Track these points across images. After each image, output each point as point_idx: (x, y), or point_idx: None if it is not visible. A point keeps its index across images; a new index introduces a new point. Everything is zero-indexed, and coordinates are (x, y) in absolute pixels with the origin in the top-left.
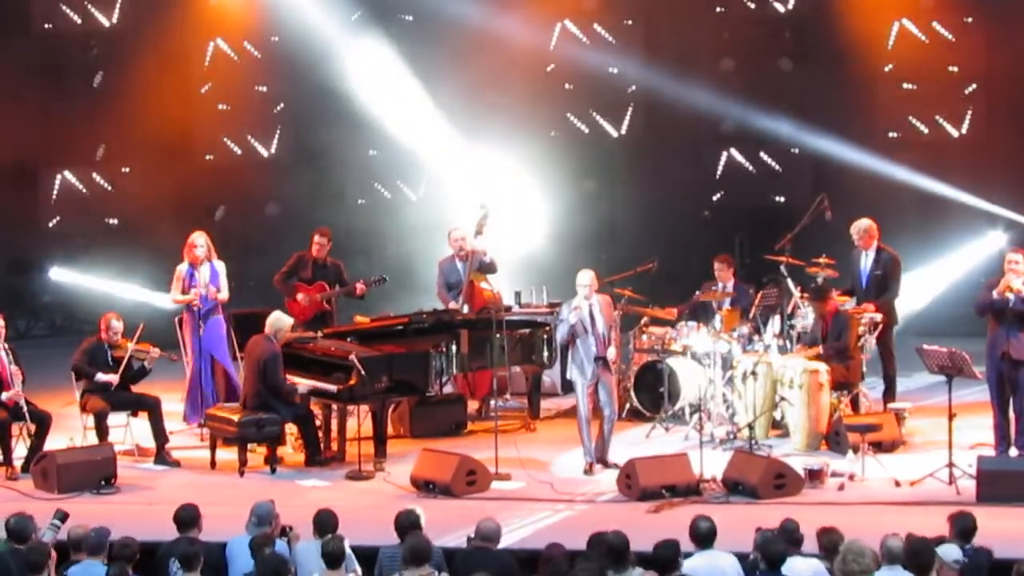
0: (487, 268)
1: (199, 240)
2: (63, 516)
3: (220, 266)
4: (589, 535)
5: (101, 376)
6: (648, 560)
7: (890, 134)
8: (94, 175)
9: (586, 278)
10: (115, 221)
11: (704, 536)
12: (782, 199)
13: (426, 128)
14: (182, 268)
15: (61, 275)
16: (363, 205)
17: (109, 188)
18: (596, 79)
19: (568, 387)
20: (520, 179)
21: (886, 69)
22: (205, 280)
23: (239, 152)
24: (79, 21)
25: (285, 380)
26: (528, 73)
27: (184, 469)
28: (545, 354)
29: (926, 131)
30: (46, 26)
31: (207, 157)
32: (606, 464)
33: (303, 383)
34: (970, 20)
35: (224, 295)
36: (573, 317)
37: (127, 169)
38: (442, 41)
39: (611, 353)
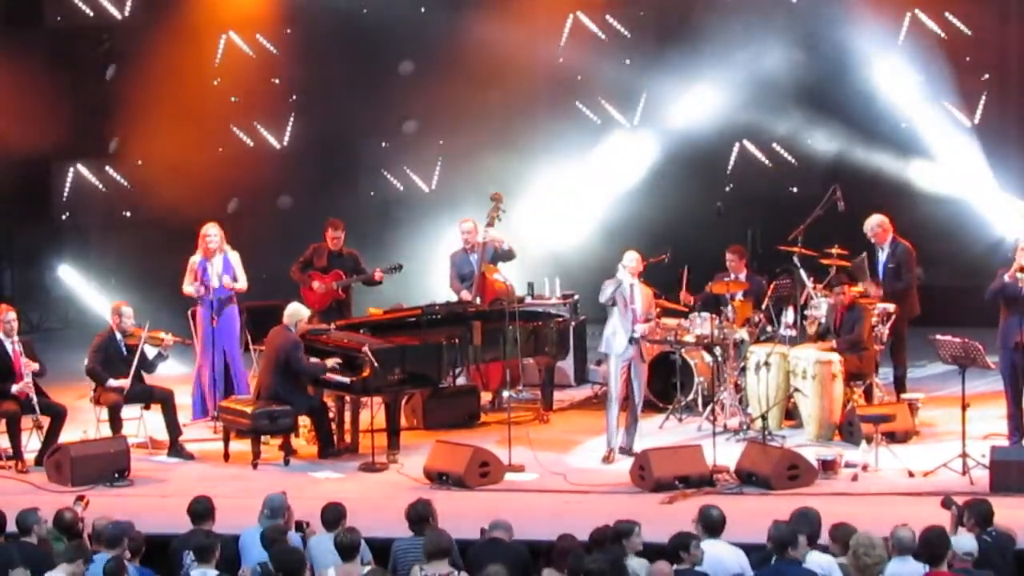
0: (505, 256)
1: (211, 231)
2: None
3: (234, 256)
4: (593, 528)
5: (112, 382)
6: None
7: (902, 124)
8: (107, 168)
9: (630, 256)
10: (128, 214)
11: (715, 525)
12: (795, 190)
13: (441, 119)
14: (194, 260)
15: (68, 274)
16: (375, 197)
17: (122, 181)
18: (608, 70)
19: (581, 378)
20: (532, 170)
21: (895, 54)
22: (218, 271)
23: (251, 144)
24: (91, 14)
25: (310, 365)
26: (538, 64)
27: (198, 461)
28: (558, 345)
29: (936, 121)
30: (58, 19)
31: (220, 149)
32: (632, 454)
33: (331, 360)
34: (981, 7)
35: (242, 284)
36: (622, 275)
37: (140, 162)
38: (452, 31)
39: (639, 328)
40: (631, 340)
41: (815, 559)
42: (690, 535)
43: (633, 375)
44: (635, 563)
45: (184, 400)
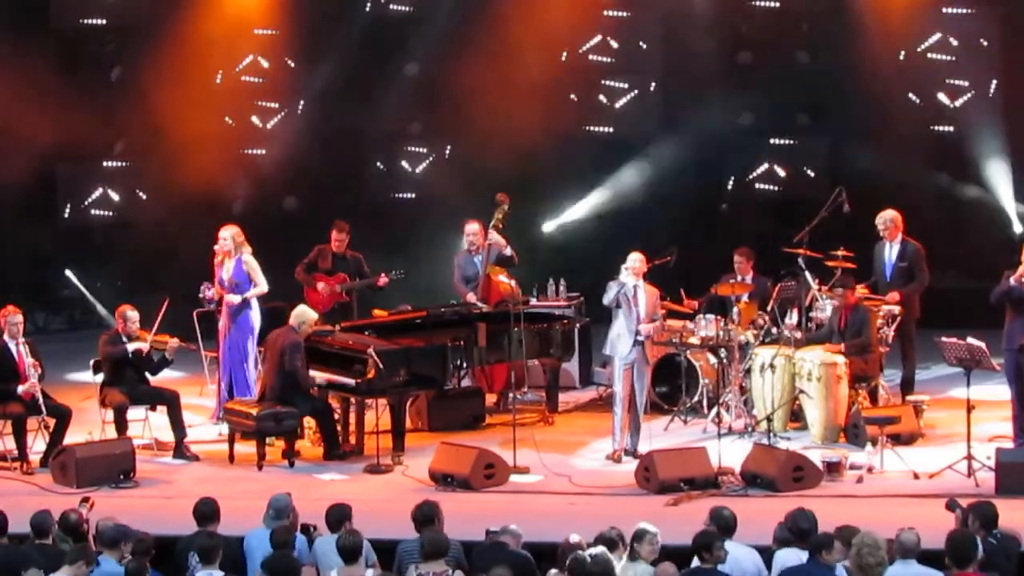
0: (506, 261)
1: (222, 234)
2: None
3: (249, 261)
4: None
5: (131, 345)
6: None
7: (908, 125)
8: (112, 170)
9: (633, 258)
10: (133, 215)
11: (729, 525)
12: (800, 191)
13: (448, 121)
14: (217, 261)
15: (74, 276)
16: (381, 198)
17: (128, 182)
18: (614, 71)
19: (586, 380)
20: (537, 171)
21: (901, 56)
22: (228, 275)
23: (257, 146)
24: (96, 15)
25: (303, 370)
26: (544, 64)
27: (203, 463)
28: (563, 347)
29: (944, 124)
30: (63, 21)
31: (225, 151)
32: (637, 456)
33: (318, 376)
34: (988, 9)
35: (260, 289)
36: (624, 275)
37: (145, 163)
38: (458, 32)
39: (644, 328)
40: (635, 343)
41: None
42: (714, 535)
43: (636, 376)
44: (640, 568)
45: (189, 402)
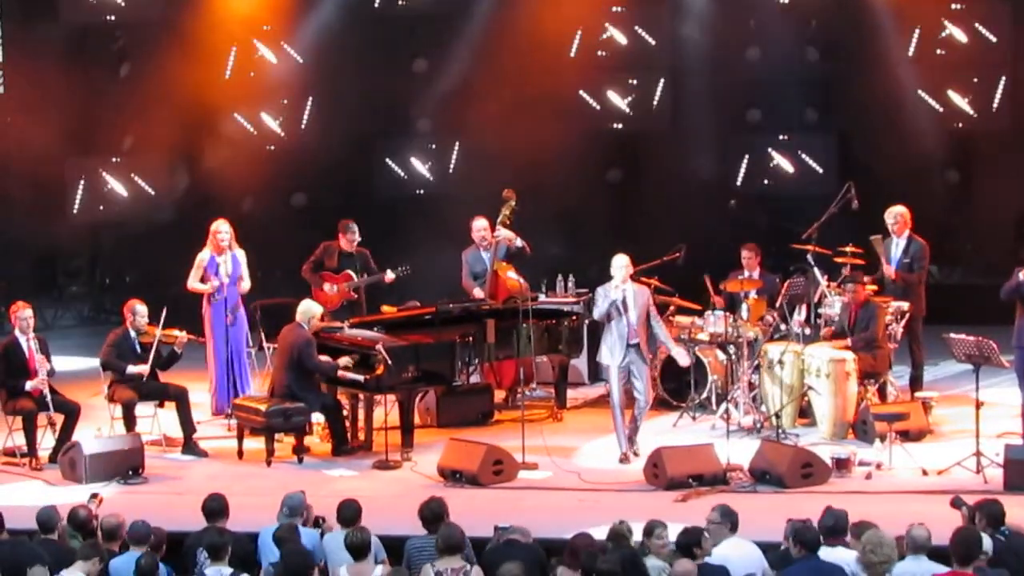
0: (518, 253)
1: (223, 228)
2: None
3: (241, 255)
4: (609, 527)
5: (131, 368)
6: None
7: (917, 121)
8: (121, 166)
9: (621, 262)
10: (142, 211)
11: (736, 521)
12: (808, 188)
13: (456, 117)
14: (203, 256)
15: (83, 272)
16: (389, 195)
17: (136, 179)
18: (622, 67)
19: (595, 376)
20: (545, 168)
21: (910, 52)
22: (228, 270)
23: (266, 143)
24: (105, 11)
25: (322, 363)
26: (553, 60)
27: (212, 459)
28: (572, 343)
29: (955, 120)
30: (72, 16)
31: (234, 147)
32: (631, 448)
33: (344, 359)
34: (997, 6)
35: (246, 285)
36: (614, 293)
37: (154, 160)
38: (466, 29)
39: (681, 358)
40: (629, 346)
41: (840, 555)
42: (701, 529)
43: (635, 378)
44: (652, 562)
45: (198, 398)
